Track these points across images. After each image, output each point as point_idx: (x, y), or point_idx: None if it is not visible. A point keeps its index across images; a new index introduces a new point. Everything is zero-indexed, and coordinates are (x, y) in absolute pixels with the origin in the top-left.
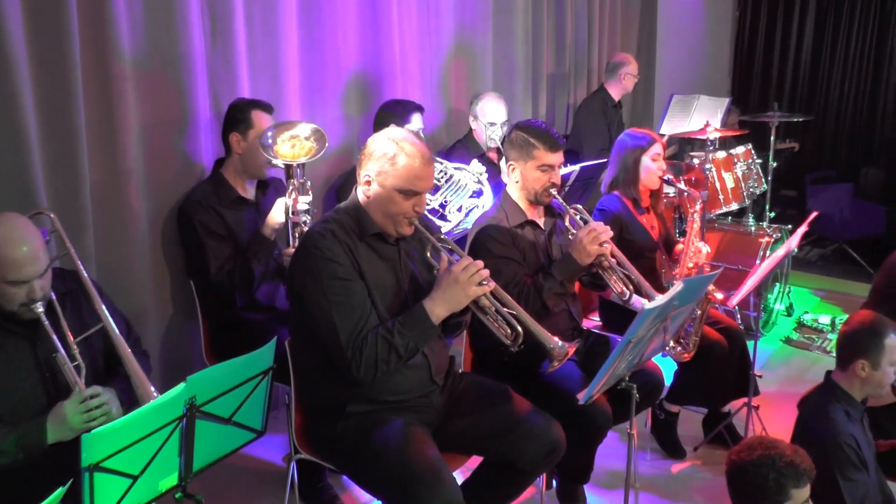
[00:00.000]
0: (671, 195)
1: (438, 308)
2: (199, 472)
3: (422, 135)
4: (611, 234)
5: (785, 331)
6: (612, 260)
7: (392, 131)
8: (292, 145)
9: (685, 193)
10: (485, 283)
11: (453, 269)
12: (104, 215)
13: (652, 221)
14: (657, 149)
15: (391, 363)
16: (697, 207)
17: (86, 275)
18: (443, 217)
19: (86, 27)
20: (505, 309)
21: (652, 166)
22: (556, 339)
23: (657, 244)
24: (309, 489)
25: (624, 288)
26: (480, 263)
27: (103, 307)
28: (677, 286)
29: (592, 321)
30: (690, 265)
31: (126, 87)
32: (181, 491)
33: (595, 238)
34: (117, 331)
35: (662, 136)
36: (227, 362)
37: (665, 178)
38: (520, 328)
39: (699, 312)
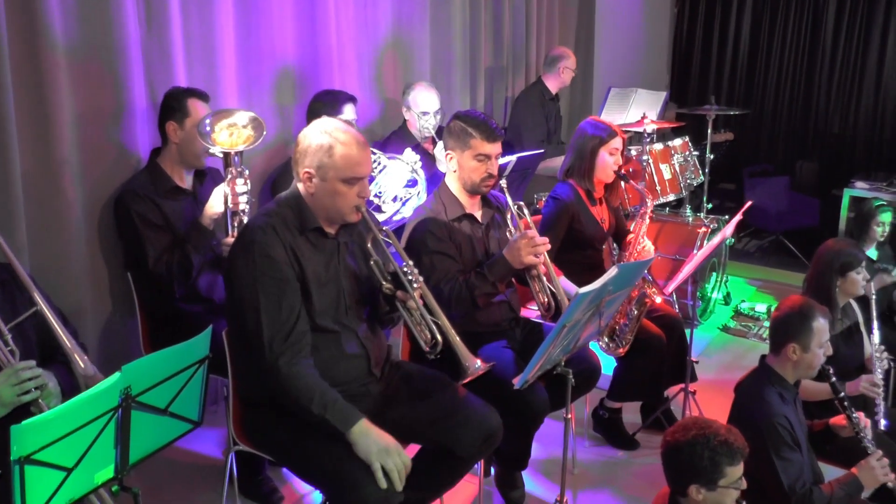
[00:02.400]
0: None
1: None
2: (136, 464)
3: (355, 126)
4: (548, 247)
5: (722, 319)
6: (543, 270)
7: (322, 123)
8: (230, 133)
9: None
10: (416, 285)
11: None
12: (37, 208)
13: (603, 214)
14: (617, 143)
15: None
16: (649, 207)
17: (18, 264)
18: (377, 208)
19: (14, 13)
20: (430, 316)
21: (608, 160)
22: (474, 359)
23: (607, 237)
24: (248, 482)
25: (547, 301)
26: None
27: (38, 296)
28: (612, 271)
29: (531, 310)
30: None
31: (59, 76)
32: (118, 484)
33: (532, 248)
34: (52, 314)
35: None
36: (162, 351)
37: (620, 173)
38: (440, 337)
39: (636, 313)
